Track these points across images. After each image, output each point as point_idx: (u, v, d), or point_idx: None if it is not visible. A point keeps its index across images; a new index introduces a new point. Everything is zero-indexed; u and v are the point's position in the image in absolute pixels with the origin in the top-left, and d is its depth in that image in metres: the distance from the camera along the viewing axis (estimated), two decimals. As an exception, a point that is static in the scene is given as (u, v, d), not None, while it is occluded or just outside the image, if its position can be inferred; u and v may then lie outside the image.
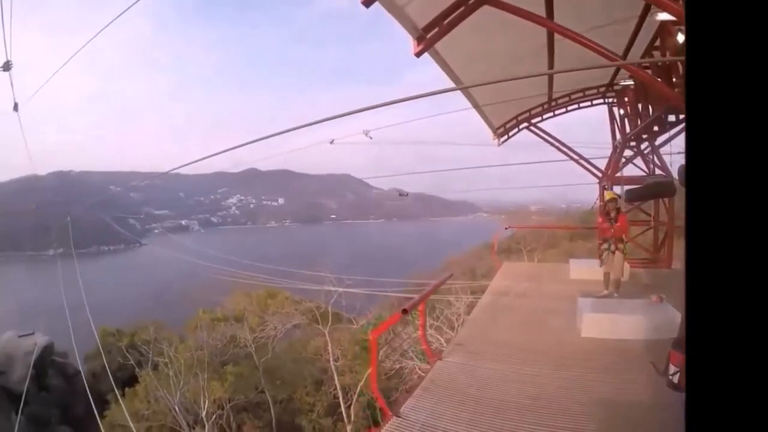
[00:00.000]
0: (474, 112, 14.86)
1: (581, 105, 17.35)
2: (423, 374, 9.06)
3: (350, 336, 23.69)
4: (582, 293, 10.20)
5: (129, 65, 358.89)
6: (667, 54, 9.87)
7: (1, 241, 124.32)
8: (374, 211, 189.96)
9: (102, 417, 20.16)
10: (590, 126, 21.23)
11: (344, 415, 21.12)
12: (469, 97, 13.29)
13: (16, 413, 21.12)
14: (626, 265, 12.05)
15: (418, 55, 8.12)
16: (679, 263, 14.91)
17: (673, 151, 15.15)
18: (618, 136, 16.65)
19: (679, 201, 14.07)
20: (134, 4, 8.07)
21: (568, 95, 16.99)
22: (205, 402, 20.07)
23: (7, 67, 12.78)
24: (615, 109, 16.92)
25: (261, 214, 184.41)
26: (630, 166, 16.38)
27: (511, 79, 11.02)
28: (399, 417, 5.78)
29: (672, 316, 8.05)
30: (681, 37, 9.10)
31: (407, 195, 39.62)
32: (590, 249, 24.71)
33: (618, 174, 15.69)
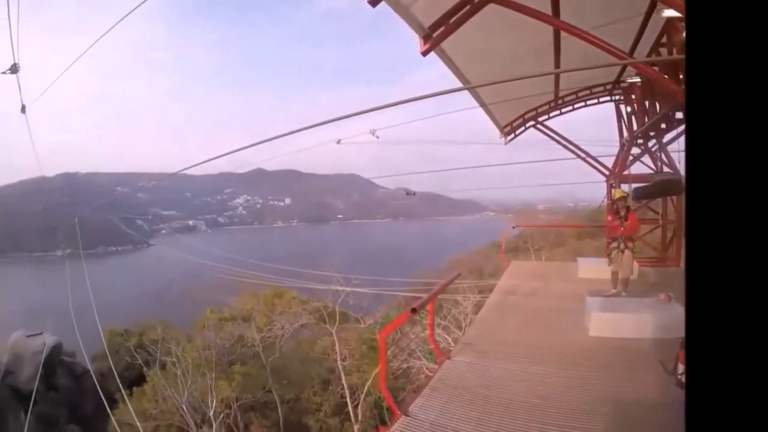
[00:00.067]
0: (480, 111, 14.83)
1: (588, 103, 17.24)
2: (430, 374, 9.06)
3: (357, 335, 23.72)
4: (590, 292, 10.17)
5: (129, 66, 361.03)
6: (674, 51, 9.83)
7: (10, 243, 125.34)
8: (380, 210, 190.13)
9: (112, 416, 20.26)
10: (593, 123, 21.18)
11: (351, 414, 21.14)
12: (476, 95, 13.25)
13: (25, 413, 21.25)
14: (635, 264, 11.99)
15: (425, 54, 8.09)
16: (687, 262, 14.82)
17: (681, 149, 15.04)
18: (625, 133, 16.57)
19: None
20: (141, 4, 8.09)
21: (575, 93, 16.91)
22: (212, 401, 20.12)
23: (14, 69, 12.86)
24: (622, 107, 16.82)
25: (268, 214, 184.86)
26: (637, 163, 16.31)
27: (516, 79, 10.99)
28: (408, 416, 5.77)
29: (680, 315, 7.92)
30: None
31: (414, 194, 39.53)
32: (598, 247, 24.64)
33: (626, 172, 15.60)
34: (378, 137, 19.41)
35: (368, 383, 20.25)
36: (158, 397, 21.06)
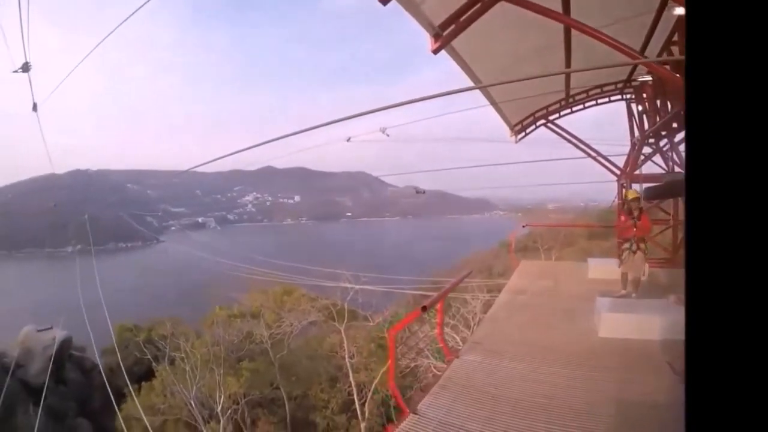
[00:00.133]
0: (490, 110, 14.78)
1: (599, 101, 17.16)
2: (438, 372, 9.05)
3: (366, 333, 23.75)
4: (600, 293, 10.13)
5: (131, 66, 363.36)
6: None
7: (22, 239, 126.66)
8: (390, 208, 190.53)
9: (119, 410, 20.39)
10: (598, 123, 21.09)
11: (358, 412, 21.18)
12: (486, 94, 13.22)
13: (35, 406, 21.41)
14: (646, 265, 11.92)
15: (436, 52, 8.07)
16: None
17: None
18: (636, 132, 16.45)
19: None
20: (145, 3, 8.12)
21: (586, 91, 16.81)
22: (220, 397, 20.21)
23: (26, 68, 12.94)
24: (633, 106, 16.71)
25: (277, 212, 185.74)
26: (649, 163, 16.20)
27: (527, 79, 10.95)
28: (416, 414, 5.78)
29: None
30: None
31: (424, 192, 39.55)
32: (607, 248, 24.51)
33: (637, 172, 15.51)
34: (388, 135, 19.41)
35: (376, 381, 20.27)
36: (167, 392, 21.19)
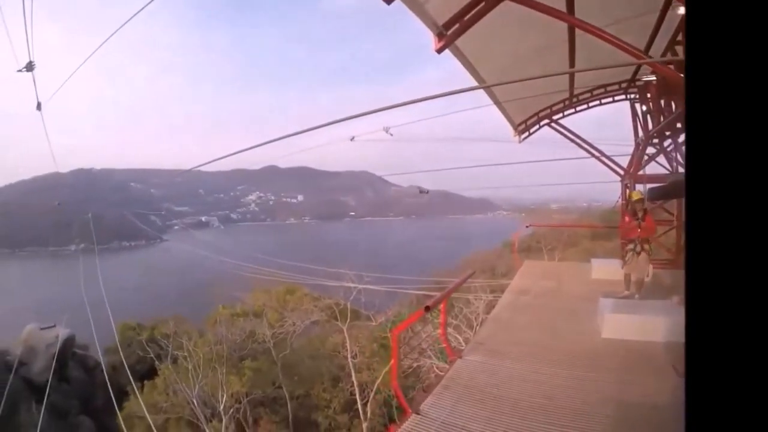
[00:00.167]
0: (492, 109, 14.74)
1: (603, 101, 17.11)
2: (440, 373, 9.03)
3: (368, 333, 23.76)
4: (603, 293, 10.10)
5: (131, 67, 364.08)
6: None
7: (25, 237, 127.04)
8: (393, 208, 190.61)
9: (121, 408, 20.44)
10: (602, 123, 21.02)
11: (360, 412, 21.18)
12: (490, 93, 13.19)
13: (38, 404, 21.46)
14: (649, 267, 11.88)
15: (440, 51, 8.06)
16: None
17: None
18: (640, 133, 16.40)
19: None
20: (148, 4, 8.11)
21: (590, 91, 16.77)
22: (222, 396, 20.26)
23: (30, 67, 12.94)
24: (637, 106, 16.65)
25: (280, 211, 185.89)
26: (652, 163, 16.15)
27: (531, 78, 10.93)
28: (419, 414, 5.76)
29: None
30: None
31: (428, 192, 39.50)
32: (611, 248, 24.48)
33: (640, 172, 15.46)
34: (392, 135, 19.36)
35: (378, 381, 20.27)
36: (169, 391, 21.24)
